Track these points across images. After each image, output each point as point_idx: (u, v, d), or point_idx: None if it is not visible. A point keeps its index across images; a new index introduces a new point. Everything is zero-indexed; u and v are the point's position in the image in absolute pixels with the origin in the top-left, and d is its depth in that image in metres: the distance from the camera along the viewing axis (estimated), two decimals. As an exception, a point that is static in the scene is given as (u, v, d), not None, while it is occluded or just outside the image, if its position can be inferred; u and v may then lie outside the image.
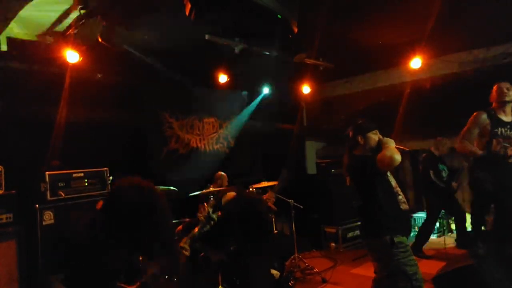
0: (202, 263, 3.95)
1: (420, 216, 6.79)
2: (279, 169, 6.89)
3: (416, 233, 5.86)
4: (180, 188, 5.11)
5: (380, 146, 2.87)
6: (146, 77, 5.59)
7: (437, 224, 6.40)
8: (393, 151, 2.69)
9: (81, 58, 4.36)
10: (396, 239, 2.75)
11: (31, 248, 3.81)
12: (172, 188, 4.67)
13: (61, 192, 4.08)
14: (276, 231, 5.39)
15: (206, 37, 4.34)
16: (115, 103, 5.26)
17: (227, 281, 3.75)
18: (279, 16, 2.34)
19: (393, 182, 2.95)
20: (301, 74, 6.60)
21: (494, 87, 3.96)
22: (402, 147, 2.88)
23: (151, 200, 1.90)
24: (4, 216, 3.70)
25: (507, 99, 3.85)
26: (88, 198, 4.21)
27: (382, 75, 6.97)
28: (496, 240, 4.12)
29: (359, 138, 2.97)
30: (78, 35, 4.03)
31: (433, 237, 6.15)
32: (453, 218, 6.15)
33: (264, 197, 4.96)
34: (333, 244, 6.53)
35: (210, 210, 2.50)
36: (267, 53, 5.08)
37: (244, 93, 7.37)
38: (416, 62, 5.72)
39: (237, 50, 4.65)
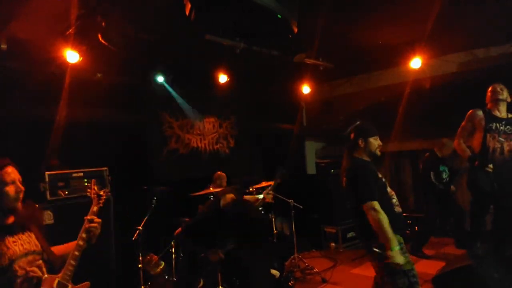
0: (202, 263, 3.96)
1: (420, 216, 6.78)
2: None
3: (416, 233, 5.86)
4: (180, 188, 5.11)
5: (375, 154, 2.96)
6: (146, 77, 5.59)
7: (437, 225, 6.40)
8: None
9: (81, 58, 4.36)
10: None
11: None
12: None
13: (60, 192, 4.08)
14: (276, 231, 5.40)
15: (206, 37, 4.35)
16: (115, 103, 5.26)
17: (227, 281, 3.76)
18: (279, 16, 2.34)
19: (388, 187, 2.97)
20: (301, 74, 6.60)
21: (489, 89, 4.15)
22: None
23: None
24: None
25: (500, 97, 4.04)
26: (88, 198, 4.20)
27: (382, 75, 6.96)
28: (495, 240, 4.13)
29: (360, 141, 2.97)
30: (78, 35, 4.02)
31: (432, 237, 6.14)
32: (452, 219, 6.14)
33: (261, 196, 4.96)
34: (333, 244, 6.54)
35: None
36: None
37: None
38: (416, 62, 5.72)
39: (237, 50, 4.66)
